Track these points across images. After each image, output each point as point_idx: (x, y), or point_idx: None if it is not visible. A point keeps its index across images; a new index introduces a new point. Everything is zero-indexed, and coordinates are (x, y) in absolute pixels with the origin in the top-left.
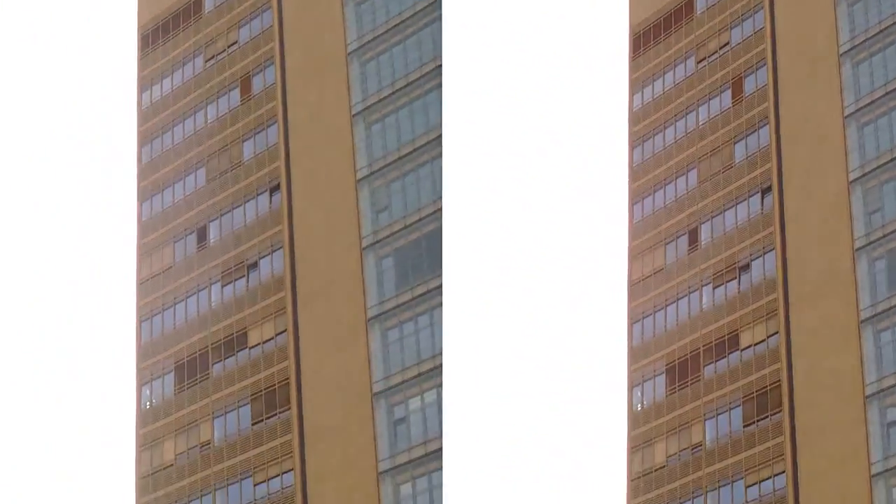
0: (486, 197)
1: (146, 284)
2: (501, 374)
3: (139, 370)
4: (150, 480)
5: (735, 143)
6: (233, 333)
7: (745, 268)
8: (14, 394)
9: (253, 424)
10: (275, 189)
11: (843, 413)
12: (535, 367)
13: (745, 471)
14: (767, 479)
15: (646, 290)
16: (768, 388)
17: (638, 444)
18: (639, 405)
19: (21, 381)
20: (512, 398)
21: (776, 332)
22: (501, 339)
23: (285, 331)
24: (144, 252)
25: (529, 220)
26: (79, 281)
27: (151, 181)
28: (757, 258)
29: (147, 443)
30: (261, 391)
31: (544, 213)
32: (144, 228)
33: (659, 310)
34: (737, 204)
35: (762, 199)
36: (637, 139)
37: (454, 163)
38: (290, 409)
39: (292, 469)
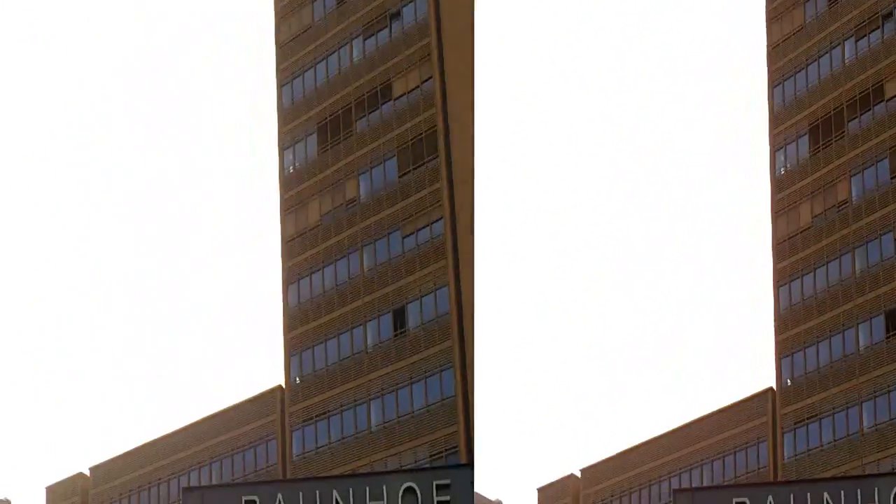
0: None
1: (285, 48)
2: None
3: (281, 134)
4: (295, 243)
5: None
6: (376, 87)
7: (889, 16)
8: (161, 170)
9: (400, 177)
10: None
11: None
12: (676, 141)
13: (894, 223)
14: None
15: (785, 52)
16: None
17: (782, 208)
18: (782, 168)
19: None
20: (654, 171)
21: None
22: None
23: (431, 78)
24: (282, 15)
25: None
26: (216, 52)
27: None
28: None
29: (291, 206)
30: (407, 142)
31: None
32: None
33: (800, 70)
34: None
35: None
36: None
37: None
38: (437, 157)
39: (441, 217)
